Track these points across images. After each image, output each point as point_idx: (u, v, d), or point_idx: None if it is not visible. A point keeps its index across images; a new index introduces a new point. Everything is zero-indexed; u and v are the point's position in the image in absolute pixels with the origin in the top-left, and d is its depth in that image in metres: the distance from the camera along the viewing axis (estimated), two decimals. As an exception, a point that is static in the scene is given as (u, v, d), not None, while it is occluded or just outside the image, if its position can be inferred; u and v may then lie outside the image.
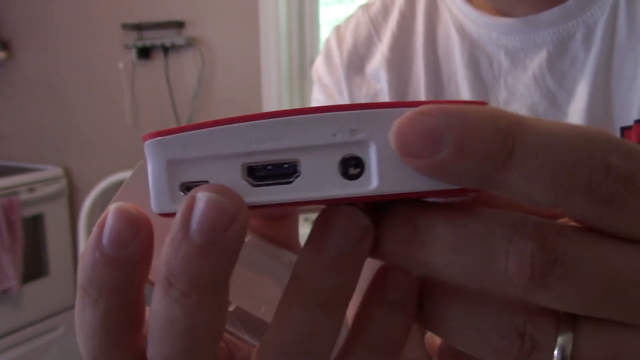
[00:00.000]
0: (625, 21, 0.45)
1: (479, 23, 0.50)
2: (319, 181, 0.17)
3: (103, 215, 0.18)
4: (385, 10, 0.57)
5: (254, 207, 0.17)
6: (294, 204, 0.18)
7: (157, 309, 0.17)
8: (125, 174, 1.97)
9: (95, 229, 0.18)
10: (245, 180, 0.17)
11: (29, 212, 2.27)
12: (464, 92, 0.50)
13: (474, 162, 0.15)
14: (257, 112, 0.17)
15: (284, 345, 0.18)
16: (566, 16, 0.46)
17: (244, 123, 0.17)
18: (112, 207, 0.18)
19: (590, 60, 0.45)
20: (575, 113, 0.45)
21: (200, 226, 0.16)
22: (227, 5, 2.06)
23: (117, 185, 1.98)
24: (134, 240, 0.17)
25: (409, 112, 0.16)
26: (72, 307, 2.11)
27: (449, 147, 0.15)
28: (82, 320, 0.18)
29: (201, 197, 0.16)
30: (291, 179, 0.17)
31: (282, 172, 0.17)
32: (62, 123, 2.47)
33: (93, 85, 2.37)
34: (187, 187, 0.17)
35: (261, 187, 0.17)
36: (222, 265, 0.17)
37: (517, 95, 0.48)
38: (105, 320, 0.18)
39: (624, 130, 0.44)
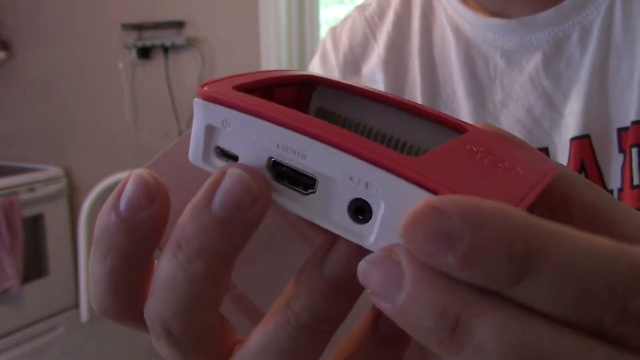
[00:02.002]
0: (621, 22, 0.44)
1: (475, 24, 0.50)
2: (327, 208, 0.17)
3: (125, 178, 0.18)
4: (381, 11, 0.56)
5: None
6: (296, 216, 0.18)
7: (162, 268, 0.18)
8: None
9: (115, 191, 0.18)
10: (268, 171, 0.18)
11: (29, 212, 2.27)
12: (460, 93, 0.50)
13: (479, 277, 0.14)
14: (293, 111, 0.17)
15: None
16: (562, 17, 0.46)
17: (275, 125, 0.17)
18: (133, 173, 0.18)
19: (586, 61, 0.45)
20: (572, 114, 0.45)
21: (224, 200, 0.17)
22: (227, 5, 2.06)
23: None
24: (148, 209, 0.18)
25: (421, 202, 0.14)
26: (72, 307, 2.10)
27: (457, 257, 0.13)
28: (91, 270, 0.19)
29: (231, 172, 0.17)
30: (306, 192, 0.17)
31: (301, 181, 0.17)
32: (62, 123, 2.47)
33: (93, 85, 2.38)
34: (220, 151, 0.18)
35: (278, 185, 0.18)
36: (233, 242, 0.17)
37: (513, 97, 0.48)
38: (109, 277, 0.19)
39: (621, 131, 0.44)
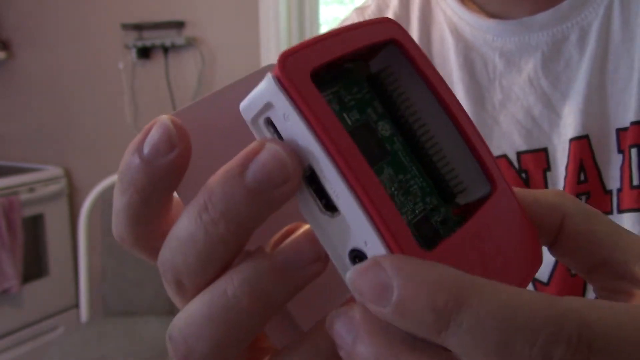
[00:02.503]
0: (619, 23, 0.45)
1: (474, 25, 0.50)
2: (334, 237, 0.17)
3: (151, 122, 0.19)
4: (380, 13, 0.56)
5: None
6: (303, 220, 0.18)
7: (184, 224, 0.19)
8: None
9: (141, 133, 0.19)
10: (303, 169, 0.18)
11: (29, 212, 2.27)
12: (460, 94, 0.50)
13: (411, 326, 0.16)
14: (353, 147, 0.17)
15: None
16: (560, 18, 0.46)
17: (326, 155, 0.17)
18: (158, 119, 0.19)
19: (584, 62, 0.45)
20: (571, 114, 0.45)
21: (257, 171, 0.17)
22: (227, 5, 2.06)
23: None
24: (168, 155, 0.19)
25: (369, 259, 0.16)
26: (72, 307, 2.09)
27: (391, 307, 0.16)
28: (113, 201, 0.20)
29: (269, 147, 0.17)
30: (325, 212, 0.18)
31: (326, 198, 0.18)
32: (62, 123, 2.47)
33: (93, 85, 2.38)
34: (270, 123, 0.18)
35: (304, 186, 0.18)
36: (258, 213, 0.18)
37: (512, 97, 0.48)
38: (126, 210, 0.20)
39: (620, 131, 0.44)
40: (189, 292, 0.20)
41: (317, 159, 0.17)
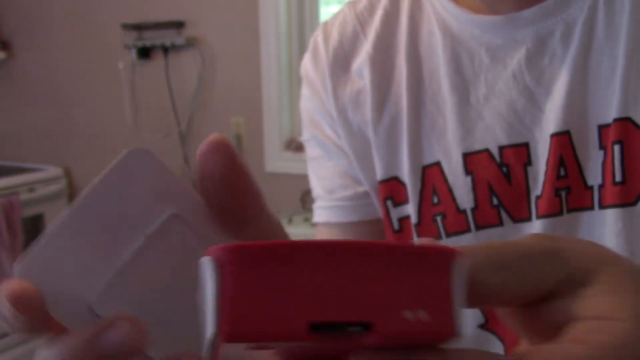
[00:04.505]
0: (604, 20, 0.45)
1: (462, 20, 0.51)
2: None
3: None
4: (372, 7, 0.57)
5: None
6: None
7: None
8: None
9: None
10: None
11: (29, 212, 2.27)
12: (445, 88, 0.51)
13: None
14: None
15: None
16: (546, 14, 0.47)
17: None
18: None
19: (568, 58, 0.46)
20: (553, 109, 0.46)
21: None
22: (227, 5, 2.07)
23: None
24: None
25: None
26: (72, 307, 2.09)
27: None
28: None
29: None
30: None
31: None
32: (62, 123, 2.47)
33: (93, 85, 2.38)
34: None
35: None
36: None
37: (496, 92, 0.49)
38: None
39: (602, 128, 0.45)
40: None
41: None
